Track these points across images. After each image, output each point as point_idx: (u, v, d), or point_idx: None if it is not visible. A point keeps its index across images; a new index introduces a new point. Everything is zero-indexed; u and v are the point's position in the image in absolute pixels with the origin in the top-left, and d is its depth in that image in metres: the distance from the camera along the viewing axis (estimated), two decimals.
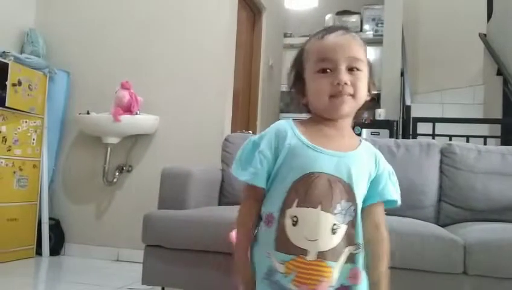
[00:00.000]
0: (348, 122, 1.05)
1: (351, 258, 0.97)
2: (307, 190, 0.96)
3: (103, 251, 3.27)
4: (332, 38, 1.02)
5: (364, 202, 1.02)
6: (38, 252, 3.24)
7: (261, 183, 1.01)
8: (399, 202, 1.06)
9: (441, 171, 2.45)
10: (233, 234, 1.70)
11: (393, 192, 1.05)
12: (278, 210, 0.98)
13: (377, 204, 1.04)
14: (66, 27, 3.56)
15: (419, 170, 2.37)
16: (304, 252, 0.95)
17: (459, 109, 5.30)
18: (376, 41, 6.11)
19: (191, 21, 3.36)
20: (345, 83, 0.98)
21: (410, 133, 3.87)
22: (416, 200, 2.34)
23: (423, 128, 3.92)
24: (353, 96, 1.00)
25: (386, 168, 1.06)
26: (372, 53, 6.34)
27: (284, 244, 0.96)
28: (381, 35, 5.77)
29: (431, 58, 6.02)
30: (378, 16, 6.15)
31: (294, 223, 0.96)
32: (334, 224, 0.95)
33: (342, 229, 0.96)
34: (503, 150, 2.47)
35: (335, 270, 0.95)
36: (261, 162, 1.00)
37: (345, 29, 1.05)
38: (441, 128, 3.95)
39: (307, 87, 1.04)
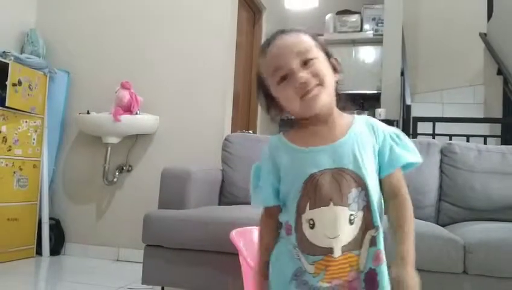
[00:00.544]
0: (332, 109, 1.04)
1: (373, 241, 0.98)
2: (314, 191, 0.97)
3: (103, 251, 3.27)
4: (272, 48, 1.03)
5: (379, 174, 1.01)
6: (39, 252, 3.24)
7: (270, 203, 1.06)
8: (418, 160, 1.02)
9: (441, 171, 2.46)
10: (234, 234, 1.70)
11: (403, 155, 1.01)
12: (293, 218, 0.99)
13: (391, 173, 1.02)
14: (66, 27, 3.56)
15: (419, 169, 2.35)
16: (329, 250, 0.96)
17: (459, 108, 5.29)
18: (376, 40, 6.11)
19: (191, 21, 3.36)
20: (306, 80, 0.97)
21: (411, 132, 3.87)
22: (416, 199, 2.32)
23: (423, 127, 3.91)
24: (320, 84, 0.99)
25: (387, 132, 1.03)
26: (372, 53, 6.34)
27: (307, 247, 0.98)
28: (382, 35, 5.76)
29: (431, 57, 6.02)
30: (379, 15, 6.14)
31: (312, 226, 0.97)
32: (351, 214, 0.96)
33: (359, 216, 0.97)
34: (504, 150, 2.47)
35: (361, 257, 0.97)
36: (266, 186, 1.05)
37: (280, 32, 1.05)
38: (441, 127, 3.95)
39: (280, 102, 1.04)
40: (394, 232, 1.00)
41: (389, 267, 0.99)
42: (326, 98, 1.00)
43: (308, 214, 0.97)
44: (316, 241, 0.97)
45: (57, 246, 3.31)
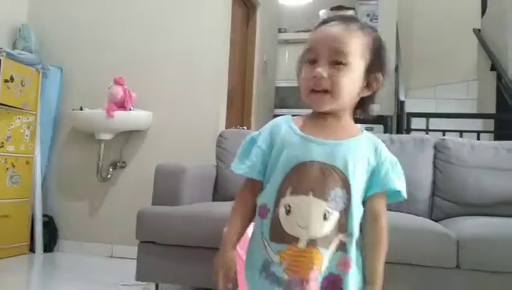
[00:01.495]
0: (344, 113, 1.03)
1: (342, 247, 0.97)
2: (299, 178, 0.97)
3: (97, 248, 3.26)
4: (323, 28, 1.02)
5: (366, 192, 1.00)
6: (32, 249, 3.22)
7: (256, 175, 1.03)
8: (404, 194, 1.02)
9: (435, 166, 2.46)
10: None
11: (395, 181, 1.00)
12: (272, 201, 0.99)
13: (377, 194, 1.01)
14: (58, 23, 3.53)
15: (413, 164, 2.37)
16: (295, 239, 0.95)
17: (452, 104, 5.32)
18: None
19: (185, 17, 3.34)
20: (322, 77, 0.97)
21: (404, 128, 3.89)
22: (409, 194, 2.29)
23: (417, 123, 3.93)
24: (331, 93, 0.98)
25: (388, 158, 1.03)
26: None
27: (278, 233, 0.97)
28: (376, 31, 5.77)
29: (425, 53, 6.03)
30: (373, 11, 6.14)
31: (288, 212, 0.97)
32: (327, 210, 0.95)
33: (335, 216, 0.96)
34: (497, 145, 2.48)
35: (325, 258, 0.96)
36: (257, 156, 1.03)
37: (343, 18, 1.02)
38: (434, 123, 3.97)
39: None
40: (369, 255, 1.00)
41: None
42: (331, 107, 1.00)
43: (287, 199, 0.97)
44: (286, 228, 0.96)
45: (50, 243, 3.29)
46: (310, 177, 0.96)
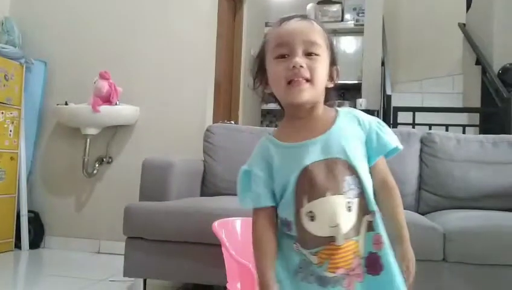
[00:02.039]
0: (318, 105, 1.05)
1: (370, 226, 1.00)
2: (310, 184, 0.98)
3: (84, 243, 3.24)
4: (289, 24, 1.04)
5: (368, 162, 1.03)
6: (18, 245, 3.18)
7: (266, 203, 1.03)
8: (400, 147, 1.06)
9: (421, 160, 2.48)
10: (216, 225, 1.70)
11: (388, 139, 1.04)
12: (292, 213, 1.00)
13: (379, 160, 1.05)
14: (42, 15, 3.48)
15: (399, 158, 2.36)
16: (332, 239, 0.97)
17: (438, 98, 5.36)
18: (357, 31, 6.13)
19: (171, 11, 3.31)
20: (301, 66, 0.98)
21: (391, 122, 3.91)
22: None
23: (403, 117, 3.96)
24: (310, 81, 1.00)
25: (372, 122, 1.06)
26: (353, 43, 6.36)
27: (310, 240, 0.98)
28: (362, 25, 5.79)
29: (411, 48, 6.07)
30: (359, 5, 6.16)
31: (312, 218, 0.98)
32: (348, 201, 0.97)
33: (355, 203, 0.98)
34: (482, 139, 2.50)
35: (360, 242, 0.98)
36: (258, 185, 1.03)
37: (303, 16, 1.06)
38: (420, 117, 4.00)
39: (268, 76, 1.05)
40: (388, 217, 1.04)
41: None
42: (311, 96, 1.01)
43: (307, 207, 0.98)
44: (318, 233, 0.97)
45: (37, 239, 3.26)
46: (319, 179, 0.97)
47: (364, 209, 0.99)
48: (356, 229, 0.98)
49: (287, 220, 1.01)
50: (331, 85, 1.07)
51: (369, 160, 1.04)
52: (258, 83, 1.10)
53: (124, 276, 2.15)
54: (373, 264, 0.99)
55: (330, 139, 1.00)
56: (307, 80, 0.99)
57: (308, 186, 0.98)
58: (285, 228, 1.02)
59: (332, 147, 0.99)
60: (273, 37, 1.04)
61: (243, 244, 1.59)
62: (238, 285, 1.55)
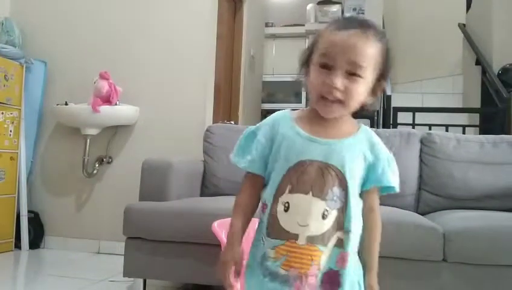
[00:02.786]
0: (343, 115, 1.04)
1: (340, 243, 0.99)
2: (298, 177, 0.98)
3: (84, 244, 3.24)
4: (342, 35, 0.98)
5: (362, 186, 1.03)
6: (17, 245, 3.18)
7: (258, 170, 1.05)
8: (397, 189, 1.06)
9: (421, 160, 2.48)
10: (216, 225, 1.70)
11: (391, 178, 1.04)
12: (271, 198, 1.00)
13: (372, 189, 1.05)
14: (42, 16, 3.48)
15: (399, 159, 2.34)
16: (294, 236, 0.97)
17: (438, 98, 5.37)
18: None
19: (171, 11, 3.31)
20: (336, 88, 0.96)
21: (391, 122, 3.91)
22: None
23: (403, 117, 3.96)
24: (343, 102, 0.98)
25: (385, 154, 1.06)
26: None
27: (275, 230, 0.99)
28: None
29: (411, 48, 6.07)
30: (359, 5, 6.15)
31: (286, 209, 0.98)
32: (325, 209, 0.97)
33: (333, 214, 0.98)
34: (482, 139, 2.50)
35: (324, 255, 0.98)
36: (257, 150, 1.04)
37: (364, 27, 0.99)
38: (420, 117, 4.00)
39: (309, 74, 1.04)
40: (365, 243, 1.04)
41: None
42: (339, 114, 1.01)
43: (286, 196, 0.99)
44: (285, 225, 0.98)
45: (36, 239, 3.26)
46: (309, 177, 0.98)
47: (339, 225, 0.99)
48: (324, 239, 0.98)
49: (265, 202, 1.02)
50: (370, 101, 1.05)
51: (364, 184, 1.03)
52: (303, 74, 1.07)
53: (123, 276, 2.15)
54: (331, 280, 0.98)
55: (337, 148, 1.00)
56: (340, 101, 0.98)
57: (295, 179, 0.98)
58: (261, 212, 1.03)
59: (335, 155, 0.99)
60: (324, 41, 1.00)
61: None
62: (238, 285, 1.55)
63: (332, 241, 0.98)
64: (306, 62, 1.06)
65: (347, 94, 0.97)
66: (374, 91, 1.04)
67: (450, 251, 1.85)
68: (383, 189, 1.06)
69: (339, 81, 0.96)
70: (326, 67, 0.98)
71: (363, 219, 1.04)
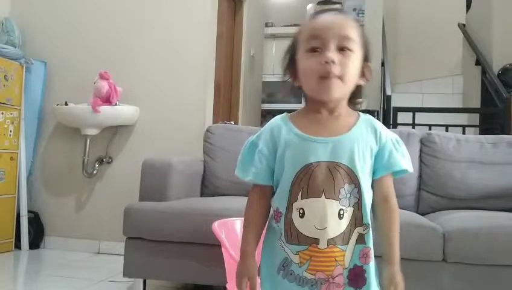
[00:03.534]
0: (341, 102, 1.04)
1: (361, 239, 0.99)
2: (308, 181, 0.97)
3: (83, 244, 3.24)
4: (324, 17, 1.02)
5: (373, 175, 1.02)
6: (17, 245, 3.18)
7: (264, 181, 1.04)
8: (410, 170, 1.04)
9: (421, 160, 2.48)
10: (216, 225, 1.70)
11: (400, 161, 1.03)
12: (284, 205, 0.99)
13: (384, 176, 1.03)
14: (42, 16, 3.48)
15: None
16: (315, 241, 0.97)
17: (438, 98, 5.37)
18: None
19: (171, 11, 3.31)
20: (333, 62, 0.96)
21: (391, 122, 3.91)
22: (396, 189, 2.34)
23: (403, 117, 3.96)
24: (341, 78, 0.98)
25: (389, 138, 1.04)
26: None
27: (294, 236, 0.98)
28: (362, 25, 5.78)
29: (411, 48, 6.07)
30: (360, 5, 6.15)
31: (302, 215, 0.97)
32: (341, 209, 0.97)
33: (349, 212, 0.98)
34: (482, 139, 2.50)
35: (347, 253, 0.98)
36: (261, 161, 1.03)
37: (339, 10, 1.06)
38: (420, 117, 4.00)
39: (298, 68, 1.03)
40: (383, 235, 1.04)
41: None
42: (340, 93, 1.00)
43: (299, 203, 0.98)
44: (303, 231, 0.97)
45: (36, 239, 3.26)
46: (318, 179, 0.97)
47: (357, 221, 0.98)
48: (345, 238, 0.97)
49: (279, 210, 1.01)
50: (362, 82, 1.05)
51: (374, 173, 1.02)
52: (288, 75, 1.07)
53: (123, 276, 2.15)
54: (357, 277, 0.98)
55: (342, 144, 0.99)
56: (338, 77, 0.98)
57: (305, 183, 0.97)
58: (273, 221, 1.03)
59: (342, 152, 0.98)
60: (307, 29, 1.02)
61: None
62: None
63: (353, 238, 0.98)
64: (290, 62, 1.06)
65: (342, 68, 0.97)
66: (362, 73, 1.04)
67: (450, 251, 1.85)
68: (395, 173, 1.04)
69: (335, 55, 0.97)
70: (314, 50, 0.99)
71: (376, 210, 1.03)
